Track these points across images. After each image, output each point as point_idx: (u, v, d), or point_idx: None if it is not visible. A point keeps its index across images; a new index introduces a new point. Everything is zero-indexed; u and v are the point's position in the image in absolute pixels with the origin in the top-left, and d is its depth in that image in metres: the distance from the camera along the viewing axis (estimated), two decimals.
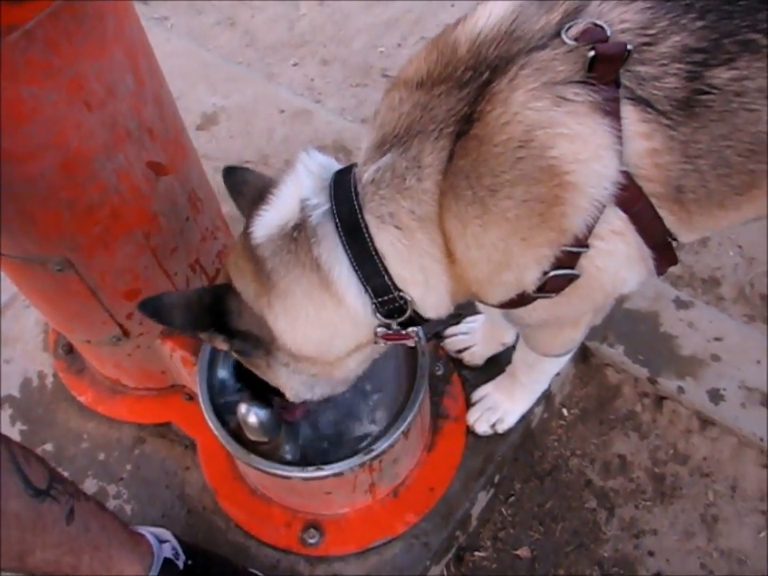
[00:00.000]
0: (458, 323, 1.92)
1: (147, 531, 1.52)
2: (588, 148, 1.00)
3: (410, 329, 1.20)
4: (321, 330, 1.16)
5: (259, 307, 1.16)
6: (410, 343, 1.24)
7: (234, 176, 1.30)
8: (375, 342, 1.22)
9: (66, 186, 1.24)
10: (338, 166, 1.19)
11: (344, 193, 1.10)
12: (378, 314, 1.15)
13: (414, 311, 1.16)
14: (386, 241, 1.09)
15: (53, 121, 1.14)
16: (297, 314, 1.14)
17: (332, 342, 1.18)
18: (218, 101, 2.66)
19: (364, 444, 1.51)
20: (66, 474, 1.60)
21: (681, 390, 1.88)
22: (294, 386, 1.29)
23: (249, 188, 1.26)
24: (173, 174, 1.42)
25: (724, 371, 1.89)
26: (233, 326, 1.19)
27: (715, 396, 1.87)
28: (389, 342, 1.22)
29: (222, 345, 1.23)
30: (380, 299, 1.13)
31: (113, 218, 1.34)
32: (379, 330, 1.18)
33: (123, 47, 1.20)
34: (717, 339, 1.94)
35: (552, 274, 1.09)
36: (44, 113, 1.12)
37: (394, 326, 1.17)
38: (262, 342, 1.20)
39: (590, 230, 1.05)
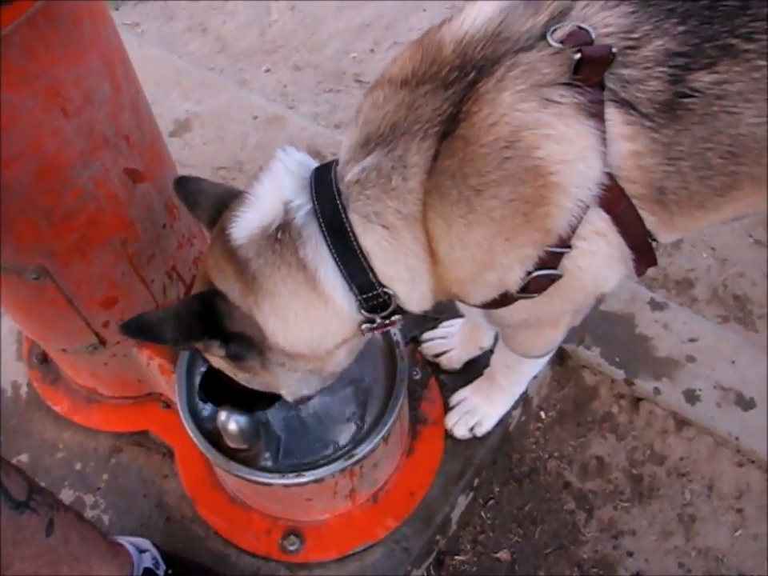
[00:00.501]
0: (435, 327, 1.92)
1: (126, 541, 1.51)
2: (573, 149, 1.01)
3: (394, 317, 1.20)
4: (310, 328, 1.16)
5: (248, 307, 1.15)
6: (395, 328, 1.24)
7: (186, 186, 1.28)
8: (362, 335, 1.22)
9: (43, 193, 1.23)
10: (314, 164, 1.18)
11: (326, 193, 1.10)
12: (362, 310, 1.15)
13: (398, 305, 1.17)
14: (372, 240, 1.09)
15: (29, 127, 1.12)
16: (285, 313, 1.14)
17: (322, 338, 1.18)
18: (191, 107, 2.64)
19: (344, 450, 1.51)
20: (42, 484, 1.58)
21: (657, 391, 1.90)
22: (291, 383, 1.28)
23: (205, 197, 1.26)
24: (149, 180, 1.41)
25: (699, 372, 1.91)
26: (226, 329, 1.18)
27: (691, 396, 1.88)
28: (375, 333, 1.23)
29: (218, 351, 1.21)
30: (364, 296, 1.13)
31: (90, 225, 1.33)
32: (364, 326, 1.18)
33: (100, 53, 1.19)
34: (691, 340, 1.96)
35: (535, 274, 1.09)
36: (20, 119, 1.10)
37: (378, 320, 1.18)
38: (255, 343, 1.19)
39: (574, 230, 1.06)
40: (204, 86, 2.71)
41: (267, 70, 2.95)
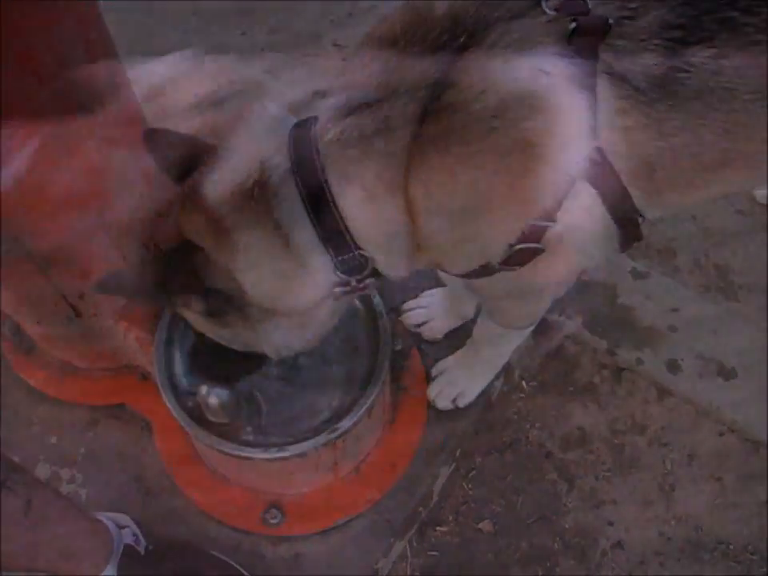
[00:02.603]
0: (416, 297, 1.90)
1: (106, 517, 1.49)
2: (562, 122, 0.98)
3: (368, 280, 1.18)
4: (285, 287, 1.14)
5: (224, 262, 1.12)
6: (377, 298, 1.25)
7: (158, 141, 1.24)
8: (335, 299, 1.20)
9: None
10: (292, 119, 1.14)
11: (305, 151, 1.06)
12: (337, 272, 1.13)
13: (374, 269, 1.15)
14: (350, 202, 1.06)
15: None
16: (260, 270, 1.12)
17: (297, 297, 1.16)
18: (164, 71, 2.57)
19: (327, 423, 1.49)
20: (15, 459, 1.55)
21: (639, 360, 1.90)
22: (272, 339, 1.26)
23: (174, 150, 1.22)
24: (127, 149, 1.36)
25: (681, 342, 1.91)
26: (205, 283, 1.15)
27: (673, 366, 1.89)
28: (347, 297, 1.21)
29: (197, 306, 1.18)
30: (340, 258, 1.11)
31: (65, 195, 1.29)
32: (338, 289, 1.16)
33: (74, 16, 1.15)
34: (673, 310, 1.95)
35: (518, 247, 1.08)
36: None
37: (353, 283, 1.16)
38: (234, 299, 1.16)
39: (559, 204, 1.04)
40: (177, 48, 2.64)
41: (243, 33, 2.88)
